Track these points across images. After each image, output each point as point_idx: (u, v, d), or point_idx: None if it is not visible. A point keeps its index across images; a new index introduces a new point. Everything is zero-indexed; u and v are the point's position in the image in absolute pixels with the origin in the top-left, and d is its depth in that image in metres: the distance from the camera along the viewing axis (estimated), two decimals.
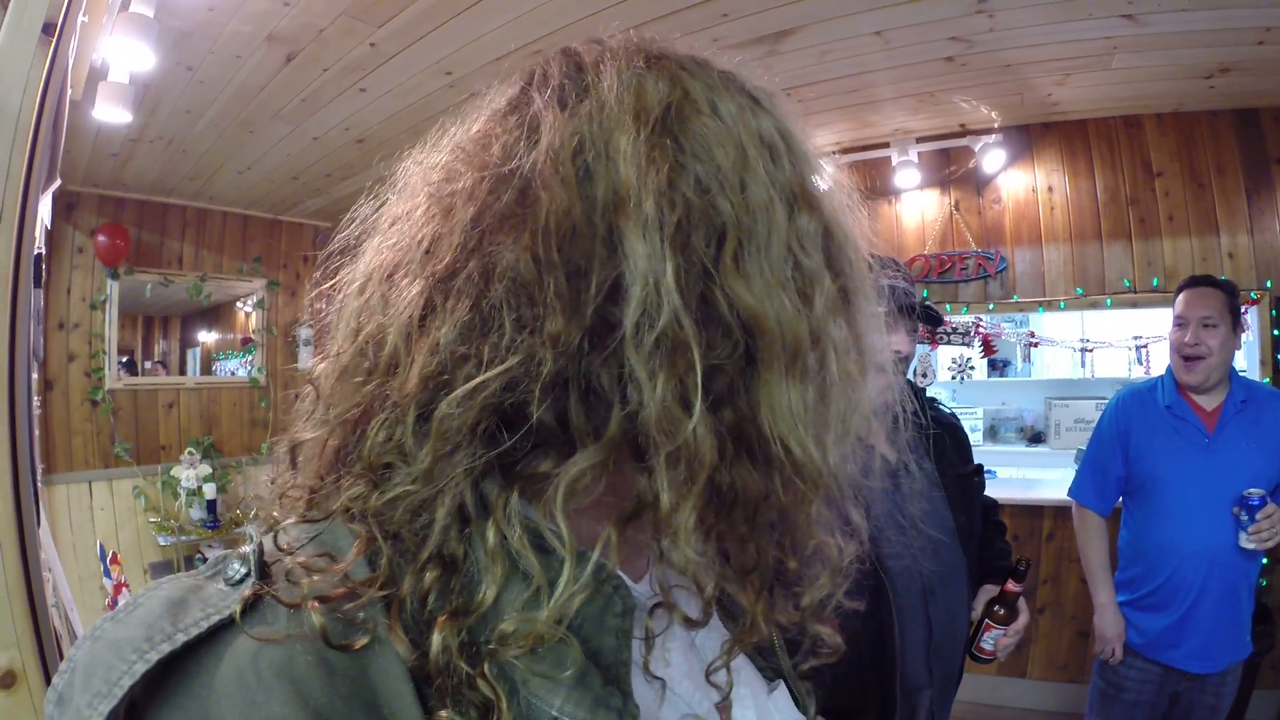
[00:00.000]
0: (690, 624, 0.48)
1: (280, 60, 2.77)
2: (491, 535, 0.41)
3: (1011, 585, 1.57)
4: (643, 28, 0.50)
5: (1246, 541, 1.99)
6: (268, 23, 2.50)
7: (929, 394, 1.88)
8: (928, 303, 1.59)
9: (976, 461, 1.78)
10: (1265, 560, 3.14)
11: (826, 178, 0.50)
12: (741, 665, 0.57)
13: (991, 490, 1.85)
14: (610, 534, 0.42)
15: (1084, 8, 2.66)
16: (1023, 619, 1.58)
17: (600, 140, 0.42)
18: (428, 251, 0.45)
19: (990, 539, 1.72)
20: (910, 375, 1.59)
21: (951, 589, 1.56)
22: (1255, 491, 1.98)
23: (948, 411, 1.80)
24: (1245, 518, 1.99)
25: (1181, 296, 2.21)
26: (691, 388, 0.40)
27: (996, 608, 1.57)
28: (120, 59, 2.44)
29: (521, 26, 2.56)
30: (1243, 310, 2.20)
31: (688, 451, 0.40)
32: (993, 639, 1.57)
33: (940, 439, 1.66)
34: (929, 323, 1.57)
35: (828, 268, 0.45)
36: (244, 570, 0.39)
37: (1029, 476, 4.10)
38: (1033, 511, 3.62)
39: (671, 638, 0.50)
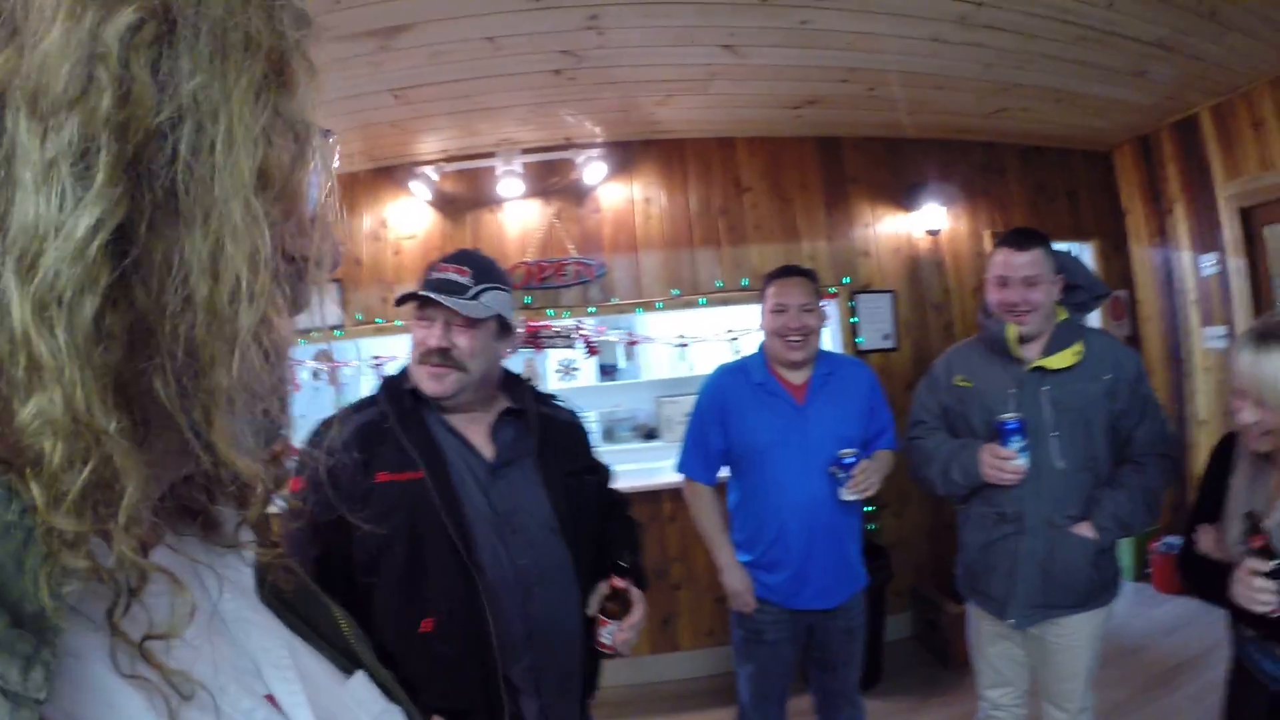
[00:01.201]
0: None
1: None
2: None
3: (616, 581, 1.58)
4: None
5: (847, 494, 2.25)
6: None
7: (547, 391, 1.85)
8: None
9: (594, 460, 1.77)
10: (870, 508, 3.69)
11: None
12: (303, 654, 0.55)
13: (611, 486, 1.82)
14: None
15: (689, 35, 2.90)
16: (636, 613, 1.59)
17: None
18: None
19: (613, 536, 1.72)
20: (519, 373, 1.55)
21: (555, 585, 1.54)
22: (848, 452, 2.25)
23: (566, 409, 1.77)
24: (842, 475, 2.25)
25: (777, 285, 2.39)
26: None
27: (608, 603, 1.58)
28: None
29: None
30: (823, 301, 2.46)
31: None
32: (609, 634, 1.57)
33: (549, 435, 1.63)
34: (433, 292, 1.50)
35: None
36: None
37: (647, 468, 4.29)
38: (652, 497, 3.85)
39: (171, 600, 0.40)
